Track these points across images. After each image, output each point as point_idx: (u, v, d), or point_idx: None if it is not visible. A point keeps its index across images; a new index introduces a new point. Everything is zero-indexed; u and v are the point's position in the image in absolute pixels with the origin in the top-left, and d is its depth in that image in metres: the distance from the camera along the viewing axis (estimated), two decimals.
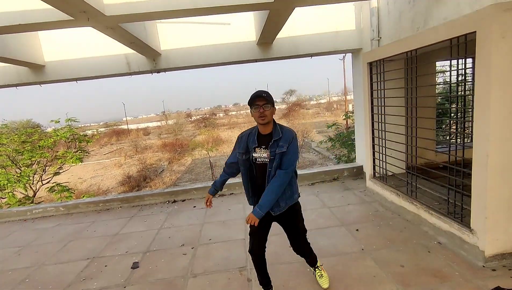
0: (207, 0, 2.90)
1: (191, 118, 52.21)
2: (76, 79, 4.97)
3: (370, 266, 2.79)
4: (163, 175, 20.93)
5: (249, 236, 2.34)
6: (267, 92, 2.10)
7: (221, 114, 58.89)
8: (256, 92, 2.10)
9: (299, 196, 2.34)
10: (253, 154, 2.19)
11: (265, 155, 2.15)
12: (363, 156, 5.23)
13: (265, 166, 2.16)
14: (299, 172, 5.81)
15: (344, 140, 12.41)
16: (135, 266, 3.26)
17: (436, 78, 7.45)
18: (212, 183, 2.51)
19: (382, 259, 2.87)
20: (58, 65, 4.78)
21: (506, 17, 2.22)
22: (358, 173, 5.65)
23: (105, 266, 3.34)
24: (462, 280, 2.45)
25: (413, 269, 2.67)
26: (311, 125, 30.00)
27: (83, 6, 2.45)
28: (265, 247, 2.34)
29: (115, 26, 3.13)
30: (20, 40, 4.26)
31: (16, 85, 4.92)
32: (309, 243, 2.51)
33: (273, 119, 2.17)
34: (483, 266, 2.57)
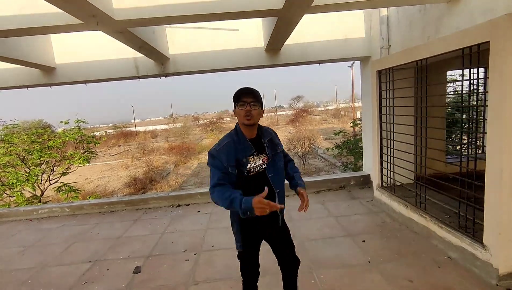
0: (216, 7, 2.90)
1: (198, 121, 52.57)
2: (85, 82, 5.03)
3: (377, 280, 2.71)
4: (168, 178, 21.00)
5: (239, 260, 2.06)
6: (257, 91, 1.81)
7: (228, 119, 59.07)
8: (244, 87, 1.79)
9: None
10: (248, 165, 1.80)
11: (260, 161, 1.85)
12: (370, 165, 5.15)
13: (262, 175, 1.85)
14: (305, 179, 5.78)
15: (351, 147, 12.30)
16: (137, 271, 3.24)
17: (447, 88, 7.36)
18: (236, 199, 1.62)
19: (389, 273, 2.79)
20: (69, 67, 4.85)
21: None
22: (365, 182, 5.55)
23: (107, 269, 3.32)
24: None
25: (423, 284, 2.58)
26: (318, 131, 29.87)
27: (93, 10, 2.47)
28: (259, 271, 2.10)
29: (124, 30, 3.16)
30: (32, 43, 4.33)
31: (28, 86, 5.00)
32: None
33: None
34: (497, 285, 2.47)
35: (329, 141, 22.30)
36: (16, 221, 5.27)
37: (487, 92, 2.45)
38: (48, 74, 4.84)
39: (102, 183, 20.84)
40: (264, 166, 1.85)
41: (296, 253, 2.10)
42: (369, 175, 5.49)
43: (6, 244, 4.25)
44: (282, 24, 3.43)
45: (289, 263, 2.08)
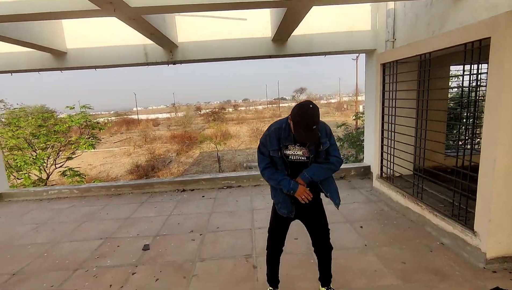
0: None
1: (200, 111, 52.56)
2: (95, 67, 5.13)
3: (372, 261, 2.88)
4: (170, 166, 21.22)
5: (268, 234, 2.29)
6: (317, 123, 1.85)
7: (230, 109, 59.05)
8: (308, 125, 1.82)
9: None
10: (286, 151, 2.02)
11: (300, 153, 2.02)
12: (371, 156, 5.28)
13: (302, 165, 2.03)
14: None
15: (353, 140, 12.41)
16: (146, 248, 3.42)
17: (451, 82, 7.40)
18: (286, 180, 2.00)
19: (384, 256, 2.96)
20: (79, 52, 4.95)
21: None
22: (366, 173, 5.70)
23: (118, 246, 3.51)
24: (461, 280, 2.52)
25: (414, 266, 2.75)
26: None
27: None
28: (283, 247, 2.29)
29: (138, 17, 3.25)
30: (45, 27, 4.43)
31: (39, 70, 5.12)
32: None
33: None
34: (484, 268, 2.63)
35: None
36: (26, 201, 5.46)
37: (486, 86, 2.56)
38: (59, 59, 4.95)
39: (104, 169, 21.09)
40: (303, 158, 2.03)
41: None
42: (370, 166, 5.63)
43: (20, 222, 4.45)
44: (290, 15, 3.51)
45: (319, 248, 2.25)
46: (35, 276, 2.97)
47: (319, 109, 1.89)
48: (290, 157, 2.03)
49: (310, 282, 2.56)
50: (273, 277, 2.38)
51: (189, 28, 4.99)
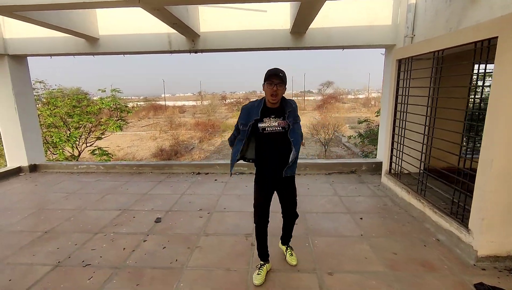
0: None
1: (225, 100, 53.28)
2: (123, 53, 5.52)
3: (364, 249, 3.01)
4: (193, 152, 21.95)
5: (253, 208, 2.54)
6: (284, 72, 2.20)
7: (254, 99, 59.08)
8: (274, 69, 2.20)
9: None
10: (261, 124, 2.26)
11: (275, 124, 2.26)
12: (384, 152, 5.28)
13: (279, 135, 2.27)
14: (317, 161, 6.04)
15: (374, 137, 12.21)
16: (158, 220, 3.77)
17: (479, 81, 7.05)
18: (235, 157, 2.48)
19: (377, 246, 3.07)
20: (110, 39, 5.35)
21: None
22: (377, 168, 5.71)
23: (133, 217, 3.89)
24: (448, 273, 2.60)
25: (405, 257, 2.85)
26: (345, 119, 29.33)
27: None
28: (269, 219, 2.55)
29: (161, 8, 3.51)
30: (82, 15, 4.85)
31: (74, 54, 5.59)
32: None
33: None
34: (474, 265, 2.68)
35: (355, 130, 21.96)
36: (59, 173, 6.07)
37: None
38: (92, 44, 5.38)
39: (131, 151, 22.24)
40: (279, 128, 2.28)
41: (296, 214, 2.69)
42: (382, 162, 5.62)
43: (53, 190, 5.01)
44: (305, 8, 3.61)
45: (287, 214, 2.67)
46: (63, 235, 3.42)
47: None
48: (266, 129, 2.27)
49: (300, 261, 2.76)
50: (262, 251, 2.61)
51: (210, 19, 5.20)
